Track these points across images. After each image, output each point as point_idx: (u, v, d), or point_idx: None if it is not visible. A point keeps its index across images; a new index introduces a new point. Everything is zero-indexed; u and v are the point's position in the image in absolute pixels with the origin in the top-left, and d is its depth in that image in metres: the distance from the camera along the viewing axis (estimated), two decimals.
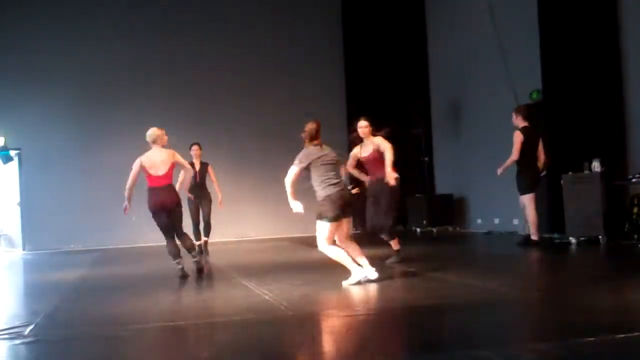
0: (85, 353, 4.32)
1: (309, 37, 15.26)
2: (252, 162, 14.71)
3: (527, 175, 9.08)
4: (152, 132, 7.68)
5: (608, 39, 9.53)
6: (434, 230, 13.13)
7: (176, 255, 7.64)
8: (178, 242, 7.78)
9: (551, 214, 9.96)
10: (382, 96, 13.84)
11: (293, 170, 6.27)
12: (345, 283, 6.27)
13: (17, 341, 4.55)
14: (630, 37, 9.42)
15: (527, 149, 9.02)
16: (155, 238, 8.77)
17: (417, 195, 13.35)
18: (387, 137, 7.76)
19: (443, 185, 14.32)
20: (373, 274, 6.42)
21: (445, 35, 14.20)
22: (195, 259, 7.94)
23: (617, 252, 8.40)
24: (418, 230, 13.30)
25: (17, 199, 14.09)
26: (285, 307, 5.35)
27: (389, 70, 14.41)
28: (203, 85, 14.66)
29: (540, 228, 9.12)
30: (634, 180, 8.88)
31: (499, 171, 9.19)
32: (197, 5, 14.84)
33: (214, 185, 10.61)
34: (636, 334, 3.88)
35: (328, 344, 4.34)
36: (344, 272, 6.41)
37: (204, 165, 10.60)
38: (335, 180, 6.29)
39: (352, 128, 8.18)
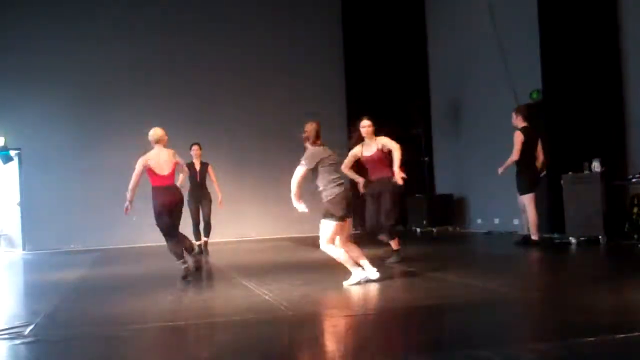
0: (85, 353, 4.32)
1: (309, 37, 15.26)
2: (252, 162, 14.71)
3: (526, 175, 9.09)
4: (156, 132, 7.67)
5: (608, 39, 9.53)
6: (434, 230, 13.14)
7: (180, 255, 7.62)
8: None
9: (551, 214, 9.96)
10: (382, 96, 13.84)
11: (300, 171, 6.26)
12: (345, 283, 6.28)
13: (17, 341, 4.55)
14: (630, 37, 9.42)
15: (527, 149, 9.03)
16: (155, 238, 8.78)
17: (417, 195, 13.35)
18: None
19: (443, 185, 14.32)
20: (374, 274, 6.42)
21: (445, 35, 14.20)
22: (194, 259, 7.94)
23: (617, 252, 8.40)
24: (418, 230, 13.30)
25: (17, 199, 14.09)
26: (285, 307, 5.35)
27: (389, 70, 14.41)
28: (203, 85, 14.66)
29: (540, 228, 9.12)
30: (634, 180, 8.88)
31: (500, 170, 9.20)
32: (197, 5, 14.84)
33: (214, 185, 10.61)
34: (636, 334, 3.88)
35: (328, 344, 4.34)
36: (344, 272, 6.41)
37: (204, 165, 10.61)
38: (341, 181, 6.40)
39: (351, 127, 8.18)
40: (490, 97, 12.19)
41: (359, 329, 4.72)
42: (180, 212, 7.80)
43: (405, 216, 13.33)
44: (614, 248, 8.54)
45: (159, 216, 7.54)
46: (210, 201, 10.53)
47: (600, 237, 8.86)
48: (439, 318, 5.00)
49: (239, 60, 14.81)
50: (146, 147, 7.73)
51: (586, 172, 9.12)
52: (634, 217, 8.78)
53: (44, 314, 5.60)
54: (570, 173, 9.34)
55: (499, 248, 10.09)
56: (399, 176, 7.47)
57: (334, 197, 6.19)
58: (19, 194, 14.07)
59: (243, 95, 14.78)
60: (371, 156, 7.85)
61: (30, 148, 13.86)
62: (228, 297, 6.24)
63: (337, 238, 6.36)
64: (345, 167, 7.89)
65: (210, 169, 10.63)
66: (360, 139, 7.95)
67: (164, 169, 7.53)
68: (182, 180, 8.46)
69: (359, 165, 8.16)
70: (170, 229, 7.60)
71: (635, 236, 8.66)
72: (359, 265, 6.42)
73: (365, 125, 7.86)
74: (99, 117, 14.10)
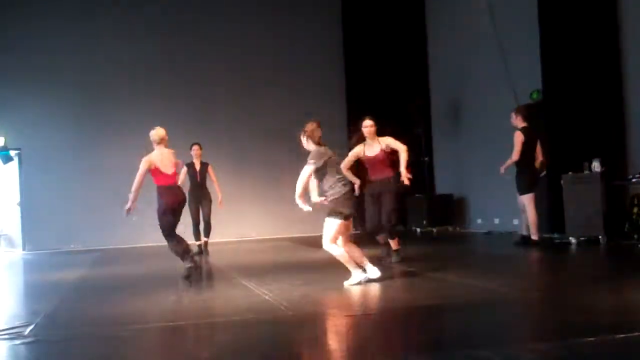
0: (85, 353, 4.32)
1: (309, 37, 15.26)
2: (252, 162, 14.71)
3: (526, 175, 9.09)
4: (159, 132, 7.63)
5: (608, 39, 9.54)
6: (434, 230, 13.14)
7: (182, 254, 7.60)
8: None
9: (551, 214, 9.96)
10: (382, 96, 13.83)
11: (308, 170, 6.24)
12: (346, 283, 6.28)
13: (17, 341, 4.55)
14: (630, 37, 9.43)
15: (527, 150, 9.03)
16: (155, 238, 8.78)
17: (417, 195, 13.35)
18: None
19: (443, 185, 14.32)
20: (376, 273, 6.42)
21: (445, 35, 14.20)
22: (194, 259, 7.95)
23: (617, 252, 8.40)
24: (418, 230, 13.30)
25: (17, 199, 14.09)
26: (285, 307, 5.35)
27: (389, 70, 14.41)
28: (203, 85, 14.65)
29: (540, 228, 9.12)
30: (634, 180, 8.88)
31: (502, 171, 9.20)
32: (197, 5, 14.84)
33: (215, 185, 10.61)
34: (636, 334, 3.88)
35: (328, 344, 4.34)
36: (345, 272, 6.41)
37: (204, 165, 10.61)
38: (346, 180, 6.47)
39: (352, 127, 8.18)
40: (490, 97, 12.19)
41: (359, 329, 4.72)
42: (181, 211, 7.81)
43: (405, 216, 13.33)
44: (614, 248, 8.54)
45: (164, 215, 7.49)
46: (210, 201, 10.54)
47: (600, 237, 8.85)
48: (439, 318, 4.99)
49: (239, 60, 14.81)
50: (147, 147, 7.71)
51: (586, 172, 9.12)
52: (634, 217, 8.78)
53: (44, 314, 5.60)
54: (570, 173, 9.34)
55: (499, 248, 10.09)
56: (406, 177, 7.48)
57: (340, 196, 6.20)
58: (19, 194, 14.07)
59: (243, 95, 14.78)
60: (374, 156, 7.84)
61: (30, 148, 13.85)
62: (228, 297, 6.23)
63: (340, 238, 6.37)
64: (344, 167, 7.81)
65: (210, 169, 10.63)
66: (361, 139, 7.93)
67: (168, 169, 7.54)
68: (182, 180, 8.48)
69: (359, 165, 8.16)
70: (172, 228, 7.60)
71: (635, 236, 8.66)
72: (359, 265, 6.42)
73: (368, 125, 7.84)
74: (99, 117, 14.10)
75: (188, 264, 7.47)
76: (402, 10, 14.68)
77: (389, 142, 7.80)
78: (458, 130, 13.74)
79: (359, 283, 6.26)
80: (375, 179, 7.90)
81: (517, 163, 9.08)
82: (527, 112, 9.38)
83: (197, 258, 8.09)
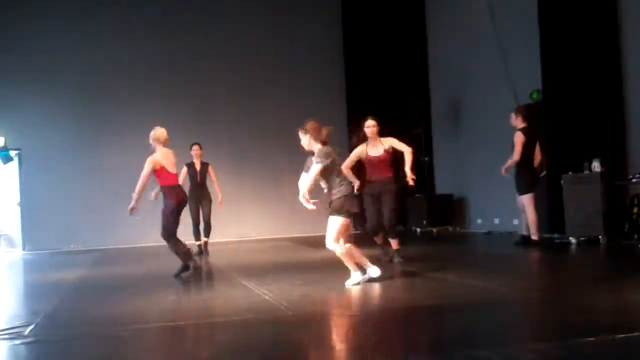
0: (85, 353, 4.32)
1: (309, 37, 15.26)
2: (252, 162, 14.72)
3: (525, 175, 9.09)
4: (162, 132, 7.62)
5: (608, 39, 9.54)
6: (434, 230, 13.13)
7: (184, 253, 7.59)
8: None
9: (551, 214, 9.96)
10: (382, 96, 13.82)
11: (316, 168, 6.21)
12: (346, 283, 6.28)
13: (17, 341, 4.55)
14: (630, 37, 9.43)
15: (527, 150, 9.04)
16: (155, 238, 8.77)
17: (417, 195, 13.33)
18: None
19: (443, 185, 14.32)
20: (376, 271, 6.41)
21: (445, 35, 14.20)
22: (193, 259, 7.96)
23: (617, 252, 8.40)
24: (418, 230, 13.30)
25: (17, 199, 14.10)
26: (285, 307, 5.35)
27: (389, 70, 14.41)
28: (203, 85, 14.66)
29: (540, 228, 9.12)
30: (634, 180, 8.88)
31: (503, 172, 9.20)
32: (197, 5, 14.84)
33: (215, 185, 10.62)
34: (636, 334, 3.88)
35: (328, 344, 4.34)
36: (344, 272, 6.40)
37: (204, 165, 10.61)
38: (348, 180, 6.56)
39: (352, 127, 8.18)
40: (490, 97, 12.19)
41: (359, 329, 4.71)
42: (181, 212, 7.82)
43: (405, 216, 13.34)
44: (614, 248, 8.54)
45: (171, 214, 7.47)
46: (210, 201, 10.54)
47: (600, 237, 8.85)
48: (439, 318, 4.99)
49: (239, 60, 14.81)
50: (147, 147, 7.71)
51: (586, 172, 9.12)
52: (634, 217, 8.78)
53: (44, 314, 5.59)
54: (570, 173, 9.34)
55: (499, 248, 10.09)
56: (410, 178, 7.49)
57: (346, 195, 6.21)
58: (19, 194, 14.08)
59: (243, 95, 14.78)
60: (378, 157, 7.83)
61: (30, 148, 13.86)
62: (228, 297, 6.23)
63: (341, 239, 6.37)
64: (345, 167, 7.78)
65: (210, 169, 10.63)
66: (363, 139, 7.92)
67: (172, 169, 7.57)
68: (182, 180, 8.50)
69: (359, 165, 8.16)
70: (176, 228, 7.58)
71: (635, 236, 8.66)
72: (360, 265, 6.42)
73: (371, 125, 7.83)
74: (99, 117, 14.10)
75: (187, 264, 7.48)
76: (402, 11, 14.68)
77: (393, 142, 7.80)
78: (458, 130, 13.74)
79: (359, 283, 6.26)
80: (375, 179, 7.90)
81: (517, 163, 9.08)
82: (527, 112, 9.38)
83: (197, 258, 8.08)
